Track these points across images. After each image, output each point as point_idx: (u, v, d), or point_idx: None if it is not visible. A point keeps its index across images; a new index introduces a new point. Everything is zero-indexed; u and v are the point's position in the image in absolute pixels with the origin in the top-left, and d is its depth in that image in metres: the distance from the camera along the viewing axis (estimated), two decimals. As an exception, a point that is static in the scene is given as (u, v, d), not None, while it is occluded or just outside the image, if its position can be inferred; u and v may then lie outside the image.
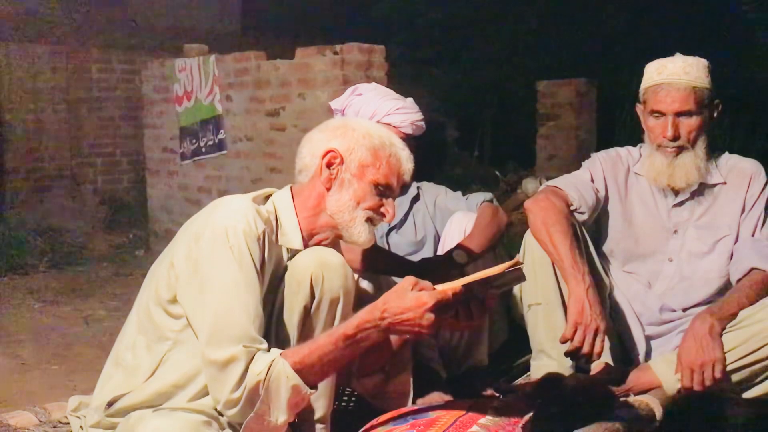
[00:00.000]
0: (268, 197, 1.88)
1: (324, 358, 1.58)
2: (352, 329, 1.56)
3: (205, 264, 1.63)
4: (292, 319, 1.77)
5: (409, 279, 1.56)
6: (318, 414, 1.84)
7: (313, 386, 1.60)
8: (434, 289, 1.55)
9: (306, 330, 1.78)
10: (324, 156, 1.80)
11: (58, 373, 3.02)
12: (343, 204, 1.79)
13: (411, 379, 2.13)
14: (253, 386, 1.55)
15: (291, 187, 1.88)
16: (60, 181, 7.09)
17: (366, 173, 1.80)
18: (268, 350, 1.60)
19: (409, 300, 1.53)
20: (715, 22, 7.73)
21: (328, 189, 1.80)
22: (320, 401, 1.84)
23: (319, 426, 1.85)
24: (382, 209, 1.83)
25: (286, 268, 1.81)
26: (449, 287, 1.55)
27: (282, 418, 1.58)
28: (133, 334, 1.75)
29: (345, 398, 2.41)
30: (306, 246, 1.82)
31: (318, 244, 1.84)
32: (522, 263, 1.64)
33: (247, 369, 1.56)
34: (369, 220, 1.82)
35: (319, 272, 1.78)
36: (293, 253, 1.82)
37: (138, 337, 1.73)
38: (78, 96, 7.15)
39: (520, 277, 1.65)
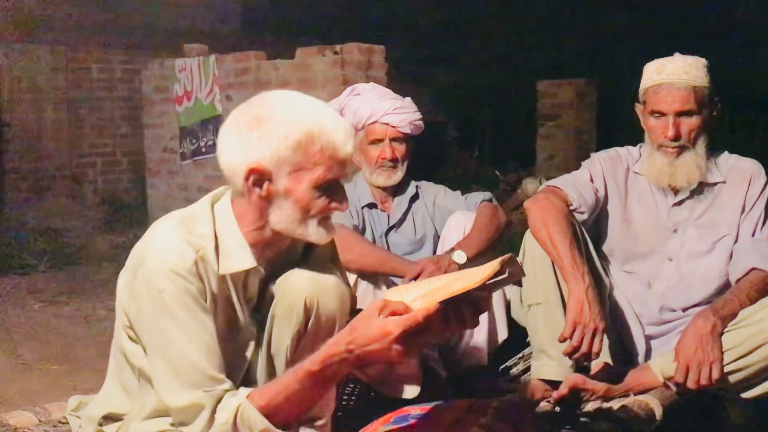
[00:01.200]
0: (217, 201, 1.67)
1: (292, 398, 1.46)
2: (317, 365, 1.42)
3: (145, 317, 1.53)
4: (282, 343, 1.65)
5: (376, 303, 1.41)
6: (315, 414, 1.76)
7: (287, 428, 1.49)
8: (406, 307, 1.39)
9: (298, 355, 1.62)
10: (246, 178, 1.53)
11: (58, 373, 3.02)
12: (287, 218, 1.56)
13: (418, 361, 2.04)
14: None
15: (230, 194, 1.64)
16: (60, 181, 7.09)
17: (301, 178, 1.53)
18: (232, 386, 1.51)
19: (374, 330, 1.37)
20: (714, 22, 7.72)
21: (265, 207, 1.57)
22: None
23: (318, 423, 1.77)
24: (333, 206, 1.59)
25: (257, 284, 1.65)
26: (423, 308, 1.38)
27: None
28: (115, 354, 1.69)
29: (345, 397, 2.40)
30: (260, 259, 1.61)
31: (276, 252, 1.66)
32: (510, 256, 1.47)
33: (213, 414, 1.47)
34: (323, 219, 1.60)
35: (314, 295, 1.64)
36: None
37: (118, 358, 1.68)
38: (78, 96, 7.15)
39: (517, 273, 1.49)
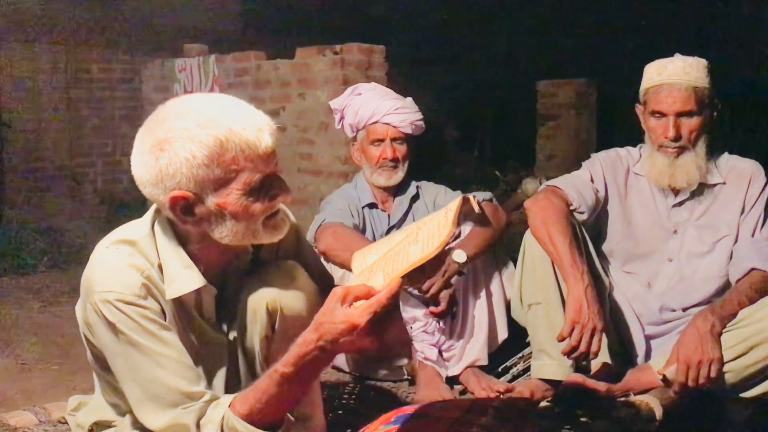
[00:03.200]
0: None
1: (273, 401, 1.41)
2: (291, 367, 1.37)
3: (107, 347, 1.48)
4: (252, 348, 1.61)
5: (337, 292, 1.35)
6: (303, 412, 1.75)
7: (275, 426, 1.45)
8: (368, 291, 1.34)
9: (271, 357, 1.59)
10: (173, 208, 1.43)
11: (58, 373, 3.01)
12: (230, 232, 1.46)
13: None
14: None
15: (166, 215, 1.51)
16: (60, 181, 7.08)
17: (229, 190, 1.42)
18: (213, 394, 1.47)
19: (340, 321, 1.32)
20: (714, 22, 7.72)
21: (207, 227, 1.47)
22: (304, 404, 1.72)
23: (308, 425, 1.76)
24: (274, 202, 1.48)
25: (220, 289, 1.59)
26: (386, 290, 1.33)
27: None
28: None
29: (345, 396, 2.41)
30: (211, 272, 1.55)
31: (229, 258, 1.60)
32: (462, 202, 1.44)
33: (198, 428, 1.43)
34: (269, 217, 1.50)
35: (275, 299, 1.58)
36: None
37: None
38: (78, 96, 7.15)
39: (470, 213, 1.46)
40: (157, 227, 1.53)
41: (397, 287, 1.33)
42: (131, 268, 1.47)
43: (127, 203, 7.06)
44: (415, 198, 2.82)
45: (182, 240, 1.52)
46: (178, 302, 1.52)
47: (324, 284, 1.73)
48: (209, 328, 1.59)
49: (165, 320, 1.49)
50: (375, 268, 1.43)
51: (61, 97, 7.04)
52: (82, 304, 1.54)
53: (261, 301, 1.58)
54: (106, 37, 7.24)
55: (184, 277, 1.50)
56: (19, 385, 2.86)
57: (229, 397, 1.46)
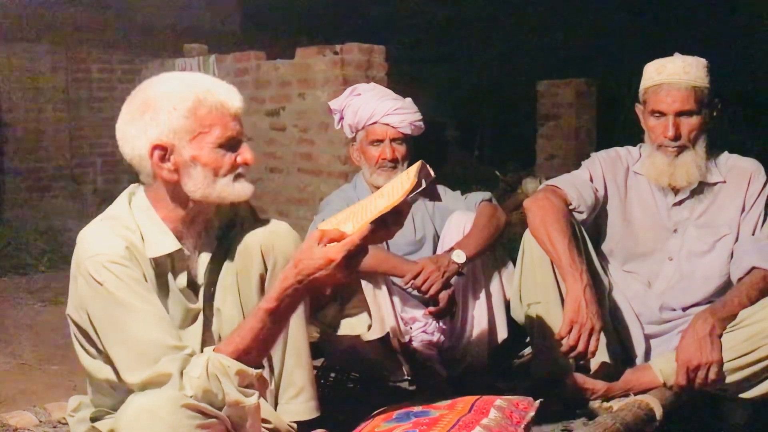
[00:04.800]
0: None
1: (259, 337, 1.56)
2: (274, 302, 1.55)
3: (95, 313, 1.58)
4: (251, 290, 1.77)
5: (314, 234, 1.55)
6: (295, 389, 1.85)
7: (258, 366, 1.59)
8: (341, 234, 1.53)
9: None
10: (151, 156, 1.63)
11: (58, 373, 3.02)
12: (201, 184, 1.64)
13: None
14: (202, 389, 1.51)
15: (144, 188, 1.74)
16: (60, 181, 7.08)
17: (203, 142, 1.62)
18: (194, 351, 1.58)
19: (317, 258, 1.51)
20: (714, 22, 7.73)
21: (177, 180, 1.65)
22: (295, 374, 1.84)
23: (300, 399, 1.85)
24: (240, 159, 1.67)
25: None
26: (358, 231, 1.52)
27: (246, 401, 1.55)
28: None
29: (345, 396, 2.41)
30: (186, 238, 1.71)
31: (203, 225, 1.74)
32: (421, 163, 1.60)
33: (182, 375, 1.52)
34: (237, 177, 1.68)
35: (268, 241, 1.77)
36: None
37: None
38: (78, 96, 7.15)
39: (429, 175, 1.61)
40: (133, 202, 1.71)
41: (367, 230, 1.52)
42: (115, 236, 1.62)
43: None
44: (415, 198, 2.82)
45: (157, 209, 1.69)
46: (156, 267, 1.66)
47: None
48: (183, 295, 1.71)
49: (147, 283, 1.62)
50: (344, 218, 1.60)
51: (61, 97, 7.04)
52: (73, 284, 1.62)
53: (255, 243, 1.77)
54: (106, 37, 7.24)
55: (161, 241, 1.67)
56: (19, 385, 2.87)
57: (211, 348, 1.59)
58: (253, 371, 1.56)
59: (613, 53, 7.76)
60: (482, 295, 2.60)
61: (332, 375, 2.65)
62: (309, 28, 8.17)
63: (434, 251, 2.71)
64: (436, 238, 2.76)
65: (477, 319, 2.59)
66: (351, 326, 1.92)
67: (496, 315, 2.61)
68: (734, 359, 2.12)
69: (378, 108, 2.69)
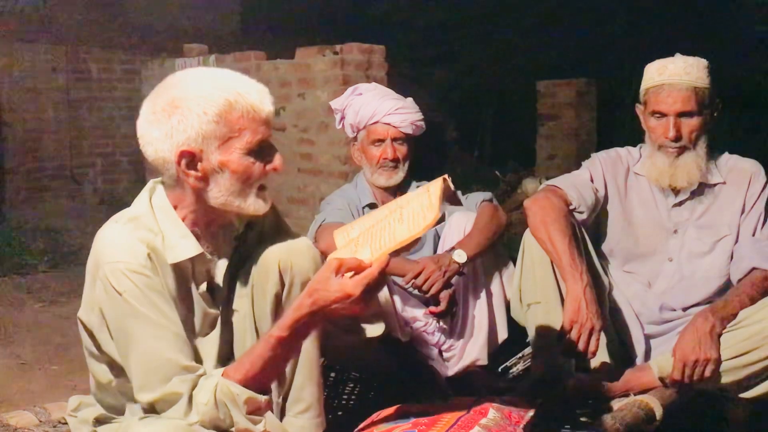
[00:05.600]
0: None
1: (268, 365, 1.52)
2: (286, 330, 1.50)
3: (111, 321, 1.55)
4: (264, 305, 1.72)
5: (331, 263, 1.48)
6: (304, 405, 1.81)
7: (265, 392, 1.54)
8: (359, 264, 1.46)
9: (281, 314, 1.65)
10: (178, 162, 1.54)
11: (58, 373, 3.02)
12: (228, 192, 1.58)
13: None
14: (209, 416, 1.50)
15: (164, 187, 1.66)
16: (60, 181, 7.09)
17: (232, 148, 1.55)
18: (206, 371, 1.55)
19: (334, 290, 1.45)
20: (714, 22, 7.72)
21: (204, 186, 1.59)
22: (305, 390, 1.81)
23: (307, 415, 1.82)
24: (269, 167, 1.61)
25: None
26: (377, 264, 1.46)
27: (254, 428, 1.52)
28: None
29: (345, 397, 2.41)
30: (204, 240, 1.65)
31: (217, 229, 1.69)
32: (443, 183, 1.52)
33: (190, 398, 1.50)
34: (261, 188, 1.62)
35: (287, 258, 1.72)
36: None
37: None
38: (78, 96, 7.15)
39: (449, 195, 1.55)
40: (154, 202, 1.64)
41: (386, 262, 1.47)
42: (137, 240, 1.56)
43: (127, 203, 7.07)
44: (415, 198, 2.81)
45: (177, 210, 1.63)
46: (177, 271, 1.61)
47: None
48: (202, 300, 1.66)
49: (167, 293, 1.57)
50: (361, 241, 1.54)
51: (61, 97, 7.05)
52: (89, 285, 1.59)
53: (273, 259, 1.71)
54: (106, 37, 7.24)
55: (183, 245, 1.61)
56: (19, 385, 2.87)
57: (221, 370, 1.55)
58: (261, 398, 1.53)
59: (613, 53, 7.75)
60: (483, 295, 2.60)
61: (332, 375, 2.65)
62: (309, 28, 8.17)
63: (435, 251, 2.71)
64: (437, 237, 2.76)
65: (477, 319, 2.59)
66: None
67: (497, 315, 2.61)
68: (734, 359, 2.12)
69: (379, 107, 2.69)
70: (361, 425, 1.80)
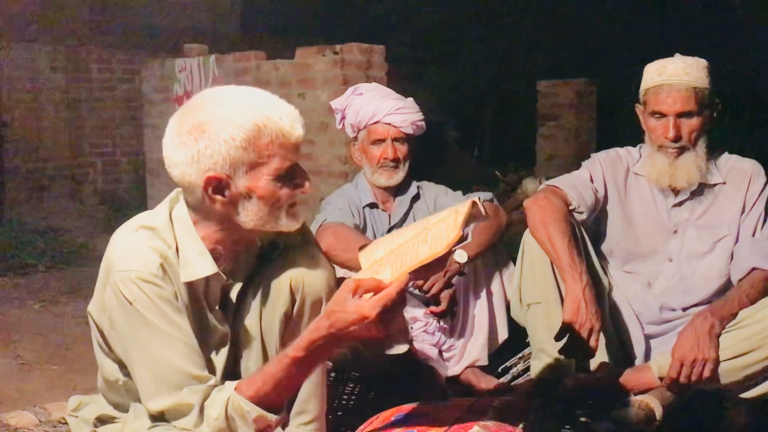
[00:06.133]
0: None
1: (280, 385, 1.48)
2: (302, 351, 1.45)
3: (121, 328, 1.53)
4: (273, 326, 1.67)
5: (348, 284, 1.42)
6: (308, 417, 1.79)
7: (277, 411, 1.50)
8: (378, 285, 1.41)
9: (288, 336, 1.66)
10: (205, 188, 1.50)
11: (58, 373, 3.02)
12: (255, 216, 1.54)
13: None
14: (219, 430, 1.48)
15: (186, 201, 1.60)
16: (60, 181, 7.09)
17: (260, 174, 1.50)
18: (218, 381, 1.53)
19: (351, 312, 1.39)
20: (714, 22, 7.72)
21: (232, 210, 1.54)
22: (310, 403, 1.78)
23: (310, 427, 1.79)
24: (298, 190, 1.57)
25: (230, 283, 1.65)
26: (395, 284, 1.40)
27: None
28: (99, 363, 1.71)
29: (345, 397, 2.41)
30: (223, 260, 1.60)
31: (241, 247, 1.65)
32: (472, 206, 1.47)
33: (201, 409, 1.49)
34: (291, 207, 1.58)
35: (299, 276, 1.67)
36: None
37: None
38: (78, 96, 7.15)
39: (478, 216, 1.50)
40: (174, 215, 1.60)
41: (405, 282, 1.41)
42: (150, 250, 1.53)
43: (127, 203, 7.07)
44: (416, 198, 2.82)
45: (197, 227, 1.58)
46: (190, 287, 1.57)
47: None
48: (211, 316, 1.62)
49: (178, 303, 1.53)
50: (384, 262, 1.50)
51: (61, 97, 7.05)
52: (98, 291, 1.58)
53: (285, 278, 1.66)
54: (106, 37, 7.24)
55: (198, 263, 1.56)
56: (19, 385, 2.87)
57: (234, 383, 1.51)
58: (271, 417, 1.49)
59: (613, 53, 7.76)
60: (483, 295, 2.60)
61: (332, 375, 2.65)
62: (309, 28, 8.17)
63: (434, 251, 2.70)
64: (437, 238, 2.76)
65: (478, 319, 2.59)
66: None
67: (497, 315, 2.62)
68: (734, 358, 2.12)
69: (380, 107, 2.69)
70: (361, 428, 1.80)
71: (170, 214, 1.61)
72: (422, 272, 1.47)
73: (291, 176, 1.54)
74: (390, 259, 1.49)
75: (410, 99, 2.81)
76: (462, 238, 1.44)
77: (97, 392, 1.79)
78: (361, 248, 1.62)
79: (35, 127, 6.92)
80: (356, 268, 2.44)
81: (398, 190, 2.80)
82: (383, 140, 2.71)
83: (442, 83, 8.85)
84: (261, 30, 8.30)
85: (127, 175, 7.41)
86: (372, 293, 1.41)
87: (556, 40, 8.60)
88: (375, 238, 2.72)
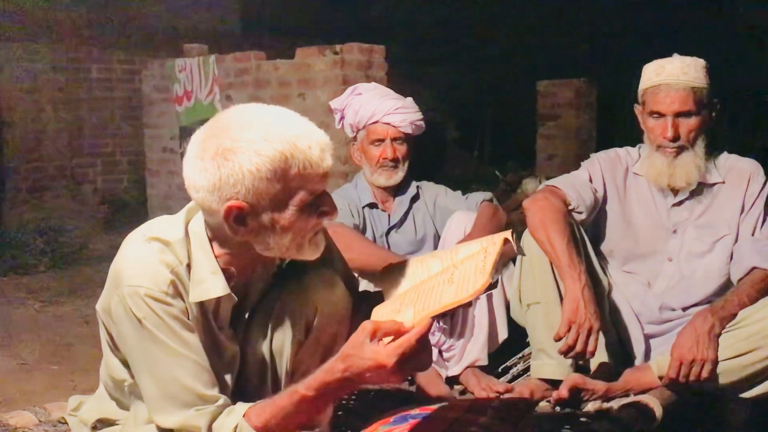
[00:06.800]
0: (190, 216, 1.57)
1: (289, 419, 1.42)
2: (313, 391, 1.39)
3: (128, 341, 1.49)
4: (283, 350, 1.62)
5: (366, 327, 1.34)
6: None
7: None
8: (398, 329, 1.33)
9: (299, 361, 1.63)
10: (227, 217, 1.42)
11: (58, 373, 3.02)
12: (279, 246, 1.47)
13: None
14: None
15: (204, 219, 1.52)
16: (60, 181, 7.08)
17: (286, 204, 1.42)
18: (227, 400, 1.48)
19: (368, 358, 1.32)
20: (714, 22, 7.73)
21: (253, 239, 1.48)
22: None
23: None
24: (323, 219, 1.49)
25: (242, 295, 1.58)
26: (416, 331, 1.32)
27: None
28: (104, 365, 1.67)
29: (345, 397, 2.41)
30: (236, 279, 1.53)
31: (255, 268, 1.59)
32: (508, 240, 1.41)
33: (210, 431, 1.45)
34: (315, 234, 1.50)
35: (314, 304, 1.61)
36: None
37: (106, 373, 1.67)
38: (78, 96, 7.14)
39: (510, 253, 1.47)
40: (191, 229, 1.53)
41: (427, 328, 1.33)
42: (161, 265, 1.47)
43: (127, 203, 7.07)
44: (416, 198, 2.82)
45: (213, 245, 1.51)
46: (200, 305, 1.52)
47: (349, 287, 1.74)
48: (221, 336, 1.57)
49: (188, 319, 1.49)
50: (407, 299, 1.42)
51: (61, 97, 7.04)
52: (107, 295, 1.53)
53: (300, 303, 1.60)
54: (106, 37, 7.24)
55: (209, 283, 1.49)
56: (19, 385, 2.87)
57: (244, 406, 1.46)
58: None
59: (613, 53, 7.76)
60: (483, 295, 2.59)
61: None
62: (309, 28, 8.17)
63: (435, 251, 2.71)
64: (437, 238, 2.76)
65: (477, 319, 2.59)
66: None
67: (497, 315, 2.61)
68: (733, 358, 2.12)
69: (379, 107, 2.69)
70: (361, 428, 1.80)
71: (186, 227, 1.53)
72: (447, 313, 1.41)
73: (317, 205, 1.46)
74: (413, 297, 1.42)
75: (410, 99, 2.81)
76: (491, 285, 1.35)
77: (97, 390, 1.78)
78: (386, 268, 1.55)
79: (35, 126, 6.91)
80: (356, 269, 2.45)
81: (398, 190, 2.80)
82: (382, 140, 2.71)
83: (442, 83, 8.85)
84: (261, 30, 8.30)
85: (127, 175, 7.40)
86: (392, 337, 1.33)
87: (556, 40, 8.60)
88: (375, 238, 2.73)
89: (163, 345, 1.45)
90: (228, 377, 1.58)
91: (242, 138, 1.39)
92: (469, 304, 1.43)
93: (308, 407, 1.41)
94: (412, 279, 1.50)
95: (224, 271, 1.51)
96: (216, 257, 1.51)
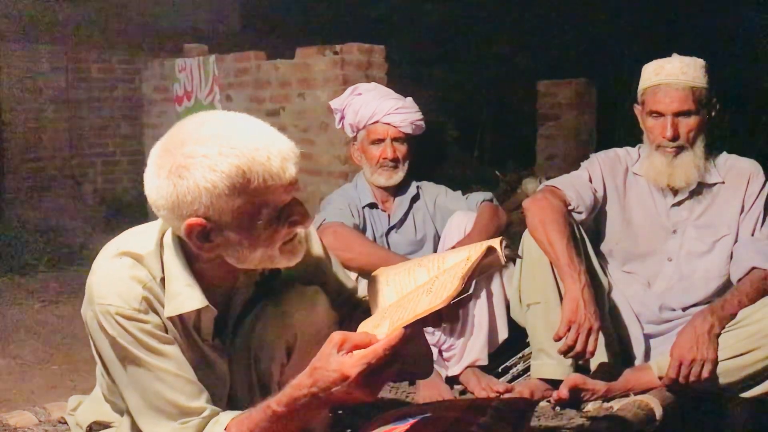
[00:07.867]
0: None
1: None
2: (283, 407, 1.33)
3: (107, 357, 1.45)
4: (273, 360, 1.58)
5: (333, 339, 1.28)
6: None
7: None
8: (368, 339, 1.27)
9: (288, 371, 1.57)
10: (189, 235, 1.36)
11: (58, 373, 3.02)
12: (247, 259, 1.41)
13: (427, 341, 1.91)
14: None
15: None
16: (60, 181, 7.08)
17: (252, 218, 1.35)
18: (213, 408, 1.44)
19: (333, 371, 1.25)
20: (714, 22, 7.73)
21: (220, 254, 1.41)
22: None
23: None
24: (295, 229, 1.42)
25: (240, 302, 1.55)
26: (383, 341, 1.25)
27: None
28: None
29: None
30: (215, 291, 1.48)
31: (235, 279, 1.53)
32: (493, 248, 1.36)
33: None
34: (286, 242, 1.42)
35: (294, 333, 1.56)
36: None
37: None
38: (78, 96, 7.14)
39: (495, 262, 1.38)
40: (165, 241, 1.47)
41: (396, 339, 1.26)
42: (133, 281, 1.42)
43: (127, 203, 7.07)
44: (416, 198, 2.82)
45: (190, 257, 1.46)
46: (179, 319, 1.47)
47: (342, 297, 1.71)
48: (207, 349, 1.53)
49: (166, 333, 1.45)
50: (388, 313, 1.38)
51: (61, 97, 7.04)
52: (84, 308, 1.50)
53: (276, 335, 1.55)
54: (106, 37, 7.24)
55: (185, 296, 1.44)
56: (19, 385, 2.87)
57: (229, 415, 1.43)
58: None
59: (613, 53, 7.75)
60: (483, 294, 2.60)
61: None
62: (309, 28, 8.17)
63: (435, 251, 2.71)
64: (437, 238, 2.76)
65: (477, 319, 2.59)
66: None
67: (497, 315, 2.61)
68: (733, 358, 2.13)
69: (379, 107, 2.69)
70: (361, 427, 1.79)
71: (162, 238, 1.47)
72: (433, 320, 1.35)
73: (285, 215, 1.39)
74: (394, 309, 1.37)
75: (410, 99, 2.81)
76: (463, 291, 1.29)
77: (93, 391, 1.78)
78: (372, 280, 1.51)
79: (35, 126, 6.91)
80: (356, 269, 2.46)
81: (398, 190, 2.80)
82: (382, 140, 2.71)
83: (442, 83, 8.85)
84: (261, 30, 8.30)
85: (127, 175, 7.40)
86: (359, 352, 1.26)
87: (556, 40, 8.60)
88: (375, 238, 2.73)
89: (140, 361, 1.42)
90: (220, 388, 1.55)
91: (197, 153, 1.31)
92: (453, 315, 1.40)
93: (282, 424, 1.36)
94: (398, 291, 1.46)
95: (202, 282, 1.46)
96: (193, 269, 1.45)
